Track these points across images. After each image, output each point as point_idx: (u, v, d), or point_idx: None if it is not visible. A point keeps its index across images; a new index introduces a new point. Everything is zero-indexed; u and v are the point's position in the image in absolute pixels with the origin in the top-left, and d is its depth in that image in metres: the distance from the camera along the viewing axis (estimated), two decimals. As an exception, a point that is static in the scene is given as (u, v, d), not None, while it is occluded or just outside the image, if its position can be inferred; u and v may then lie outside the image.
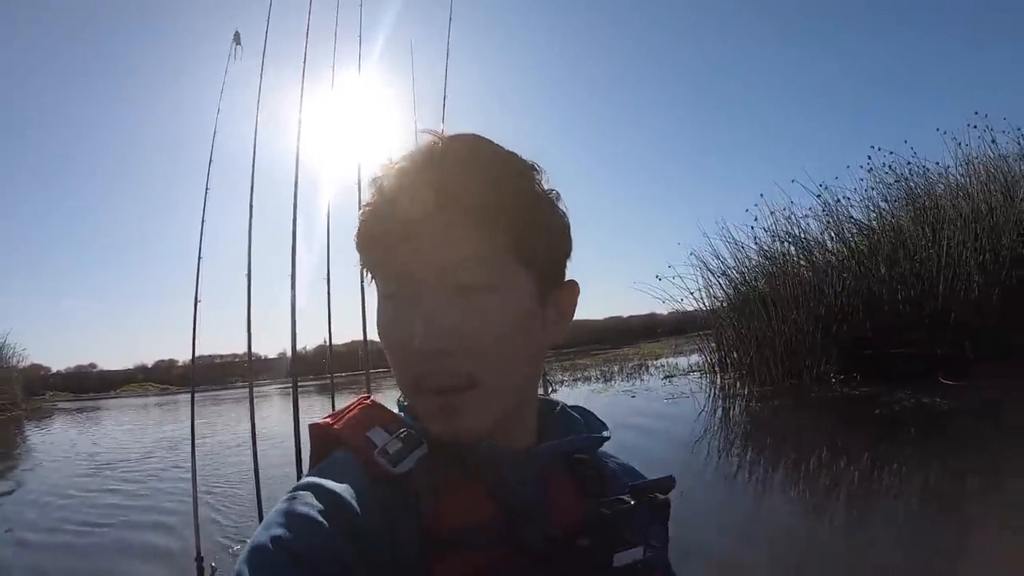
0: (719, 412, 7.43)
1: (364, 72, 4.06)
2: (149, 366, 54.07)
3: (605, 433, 0.67)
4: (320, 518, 0.49)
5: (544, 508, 0.58)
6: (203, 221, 3.71)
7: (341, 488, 0.52)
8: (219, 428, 11.65)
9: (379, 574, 0.50)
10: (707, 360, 10.26)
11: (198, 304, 3.59)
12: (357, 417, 0.61)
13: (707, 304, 9.85)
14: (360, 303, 3.76)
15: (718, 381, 9.38)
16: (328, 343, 4.25)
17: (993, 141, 8.48)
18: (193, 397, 3.69)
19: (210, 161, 3.78)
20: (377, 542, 0.51)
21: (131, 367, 54.67)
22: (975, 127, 8.51)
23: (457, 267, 0.56)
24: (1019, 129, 8.45)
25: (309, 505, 0.50)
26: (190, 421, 3.55)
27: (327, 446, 0.60)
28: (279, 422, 8.77)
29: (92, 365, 55.54)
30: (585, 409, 0.70)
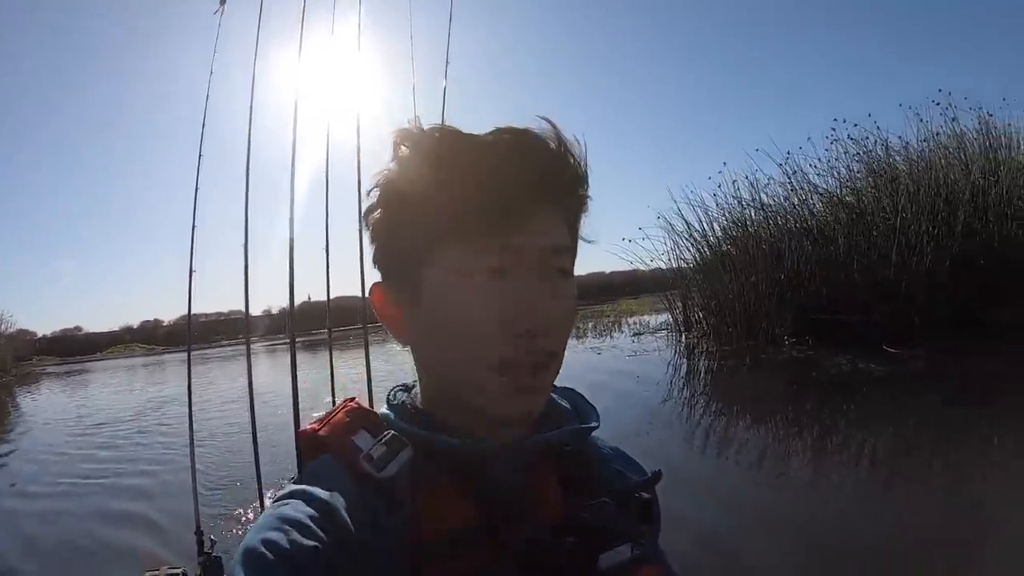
0: (678, 370, 7.96)
1: (360, 27, 3.71)
2: (135, 327, 54.10)
3: (594, 423, 0.66)
4: (311, 524, 0.50)
5: (526, 505, 0.58)
6: (196, 189, 3.54)
7: (329, 495, 0.53)
8: (207, 388, 12.01)
9: None
10: (673, 319, 10.79)
11: (193, 274, 3.48)
12: (341, 421, 0.61)
13: (675, 265, 10.29)
14: (359, 262, 3.44)
15: (683, 340, 9.93)
16: (327, 301, 3.93)
17: (954, 119, 8.82)
18: (190, 377, 3.56)
19: (203, 126, 3.61)
20: (366, 549, 0.51)
21: (117, 328, 54.71)
22: (938, 103, 8.85)
23: (558, 252, 0.58)
24: (979, 108, 8.80)
25: (300, 511, 0.51)
26: (187, 398, 3.47)
27: (315, 452, 0.61)
28: (266, 378, 9.21)
29: (78, 328, 55.41)
30: (574, 392, 0.70)
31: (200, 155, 3.61)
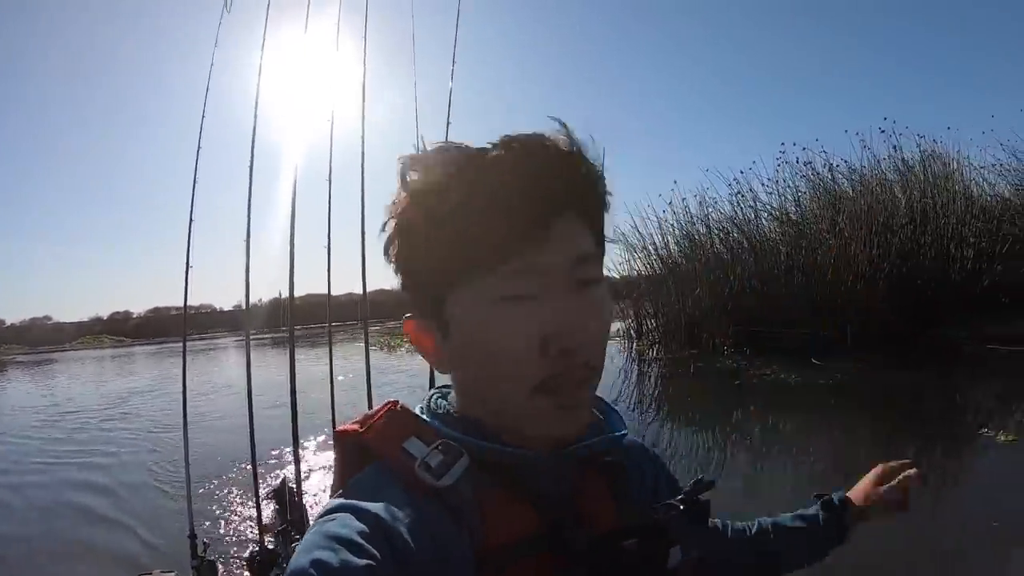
0: (628, 375, 8.54)
1: (364, 30, 3.77)
2: (104, 318, 54.18)
3: (624, 431, 0.66)
4: (362, 540, 0.47)
5: (581, 512, 0.58)
6: (195, 182, 3.49)
7: (381, 508, 0.50)
8: (176, 382, 12.29)
9: None
10: (626, 328, 11.33)
11: (190, 269, 3.47)
12: (388, 425, 0.58)
13: (630, 275, 10.79)
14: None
15: (633, 347, 10.51)
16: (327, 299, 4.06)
17: (895, 146, 9.41)
18: (185, 384, 3.49)
19: (203, 117, 3.58)
20: (422, 564, 0.48)
21: (87, 319, 54.78)
22: (883, 131, 9.44)
23: (583, 263, 0.56)
24: (920, 136, 9.42)
25: (349, 528, 0.48)
26: (182, 400, 3.43)
27: (358, 455, 0.58)
28: (239, 375, 9.46)
29: (47, 317, 55.14)
30: (603, 401, 0.68)
31: (199, 147, 3.54)
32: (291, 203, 3.36)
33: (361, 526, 0.48)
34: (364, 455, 0.57)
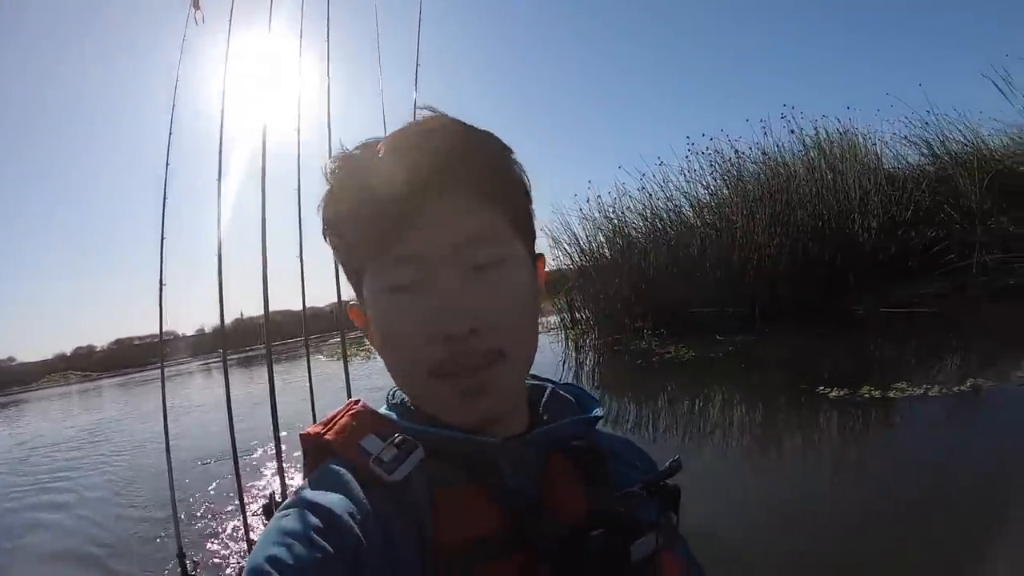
0: (564, 358, 9.46)
1: (331, 40, 3.96)
2: (68, 354, 53.70)
3: (598, 411, 0.66)
4: (314, 535, 0.48)
5: (545, 502, 0.57)
6: (164, 200, 3.58)
7: (334, 502, 0.51)
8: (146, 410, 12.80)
9: None
10: (560, 319, 12.22)
11: (163, 287, 3.53)
12: (347, 424, 0.59)
13: (561, 268, 11.58)
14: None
15: (569, 335, 11.38)
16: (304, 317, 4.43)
17: (791, 131, 10.16)
18: (165, 409, 3.56)
19: (170, 134, 3.64)
20: (377, 559, 0.49)
21: (50, 356, 54.12)
22: (783, 116, 10.16)
23: (471, 245, 0.56)
24: (824, 116, 10.26)
25: (304, 523, 0.50)
26: (163, 424, 3.49)
27: (320, 456, 0.59)
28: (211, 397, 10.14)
29: (11, 359, 54.66)
30: (575, 386, 0.69)
31: (167, 164, 3.59)
32: (261, 221, 3.35)
33: (315, 521, 0.49)
34: (326, 455, 0.58)
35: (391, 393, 0.66)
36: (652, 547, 0.57)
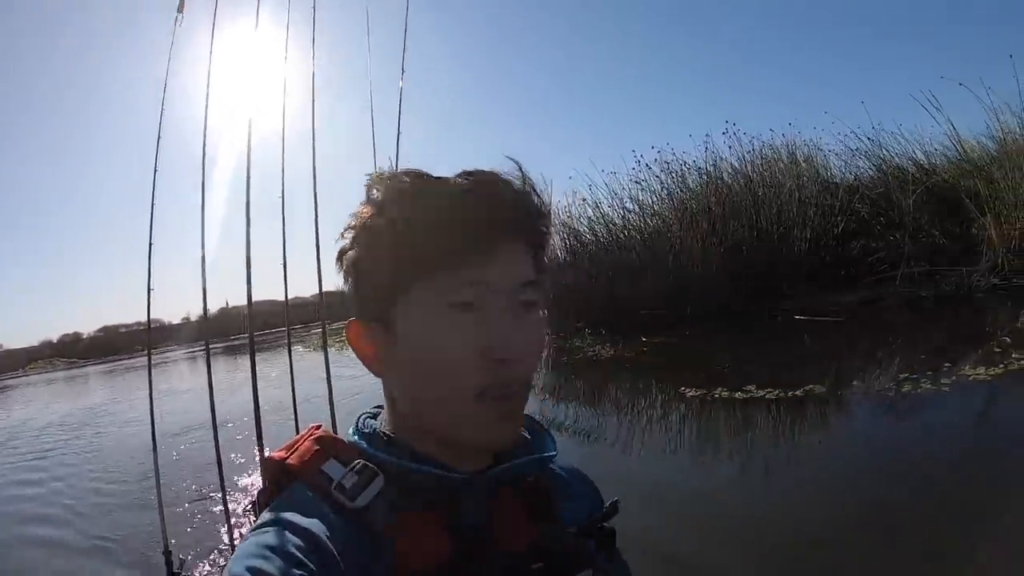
0: None
1: (316, 42, 4.07)
2: (54, 341, 54.25)
3: (553, 452, 0.70)
4: (295, 551, 0.51)
5: (494, 534, 0.61)
6: (153, 204, 3.67)
7: (310, 523, 0.55)
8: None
9: None
10: None
11: (151, 292, 3.62)
12: (309, 449, 0.62)
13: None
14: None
15: None
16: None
17: (729, 147, 11.09)
18: (152, 407, 3.66)
19: (158, 139, 3.72)
20: None
21: (36, 343, 54.67)
22: (724, 132, 11.08)
23: (527, 286, 0.63)
24: (757, 136, 11.21)
25: (284, 539, 0.53)
26: (150, 425, 3.54)
27: (283, 480, 0.62)
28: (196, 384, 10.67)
29: None
30: (533, 420, 0.73)
31: (155, 169, 3.66)
32: (245, 214, 3.45)
33: (295, 539, 0.53)
34: (289, 479, 0.61)
35: (362, 420, 0.68)
36: None
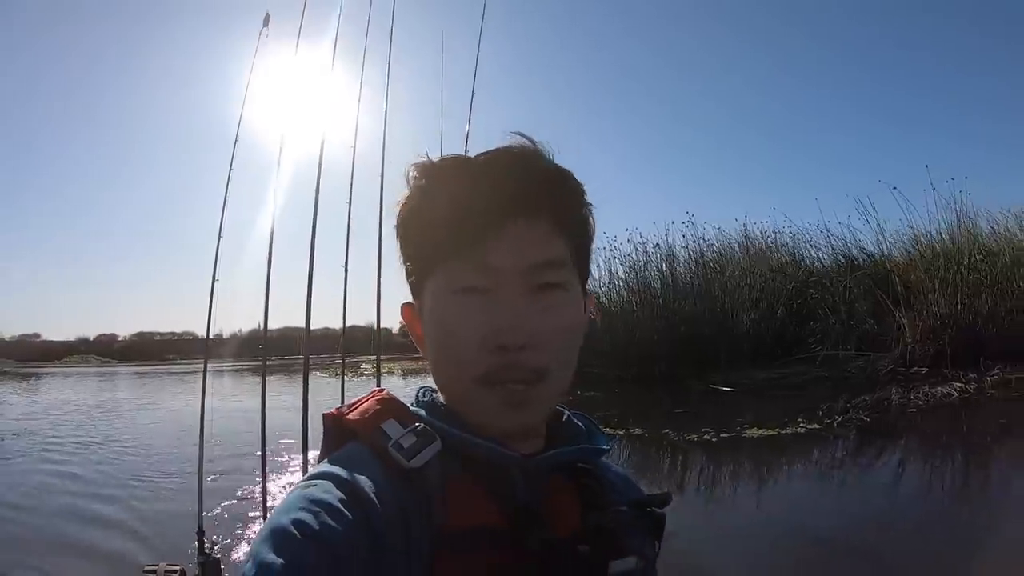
0: None
1: (394, 61, 4.21)
2: (91, 339, 55.91)
3: (605, 445, 0.70)
4: (341, 507, 0.52)
5: (544, 514, 0.61)
6: (225, 200, 3.72)
7: (359, 479, 0.56)
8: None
9: (392, 568, 0.54)
10: None
11: (215, 283, 3.66)
12: (370, 408, 0.64)
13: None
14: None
15: None
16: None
17: (683, 235, 13.00)
18: (205, 375, 3.83)
19: (235, 141, 3.82)
20: (393, 536, 0.54)
21: (73, 339, 56.39)
22: (684, 222, 13.03)
23: (542, 267, 0.62)
24: (716, 227, 13.27)
25: (329, 493, 0.54)
26: (200, 400, 3.66)
27: (339, 436, 0.64)
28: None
29: (36, 335, 56.68)
30: (587, 417, 0.74)
31: (231, 168, 3.73)
32: (311, 240, 3.49)
33: (340, 494, 0.54)
34: (346, 435, 0.63)
35: (421, 391, 0.71)
36: (632, 567, 0.63)
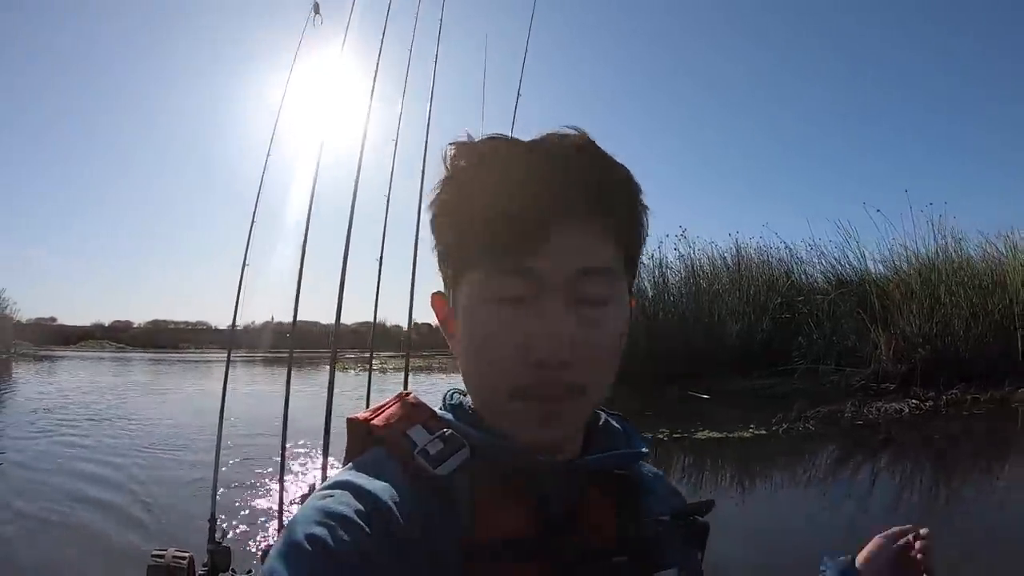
0: None
1: (438, 58, 4.11)
2: (106, 325, 57.32)
3: (644, 449, 0.67)
4: (358, 520, 0.50)
5: (579, 523, 0.58)
6: (260, 184, 3.68)
7: (379, 489, 0.53)
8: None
9: None
10: None
11: (245, 268, 3.62)
12: (397, 414, 0.61)
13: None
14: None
15: None
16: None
17: (675, 248, 13.68)
18: (228, 367, 3.72)
19: (273, 131, 3.80)
20: (414, 548, 0.51)
21: (88, 324, 57.72)
22: (677, 236, 13.67)
23: (587, 277, 0.57)
24: (709, 240, 13.90)
25: (347, 505, 0.51)
26: (222, 391, 3.59)
27: (364, 441, 0.61)
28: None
29: (52, 319, 57.70)
30: (624, 418, 0.70)
31: (268, 153, 3.70)
32: (346, 238, 3.40)
33: (358, 505, 0.51)
34: (370, 441, 0.61)
35: (449, 394, 0.67)
36: None
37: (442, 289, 0.66)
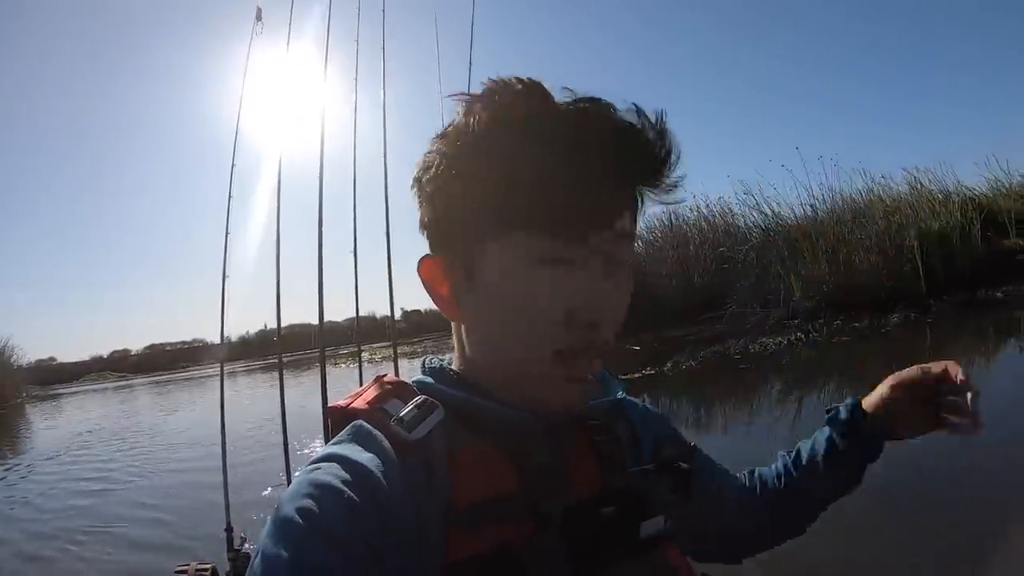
0: None
1: (388, 42, 4.07)
2: (105, 356, 57.77)
3: (620, 394, 0.70)
4: (346, 489, 0.51)
5: (564, 476, 0.60)
6: (229, 198, 3.72)
7: (366, 459, 0.54)
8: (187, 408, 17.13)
9: (404, 548, 0.52)
10: None
11: (226, 280, 3.67)
12: (372, 392, 0.63)
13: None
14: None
15: None
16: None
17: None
18: (223, 377, 3.81)
19: (235, 143, 3.80)
20: (402, 516, 0.52)
21: (87, 358, 58.23)
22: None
23: (624, 240, 0.59)
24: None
25: (335, 476, 0.52)
26: (220, 399, 3.66)
27: (344, 424, 0.61)
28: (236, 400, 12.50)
29: (52, 358, 57.92)
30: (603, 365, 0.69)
31: (233, 164, 3.75)
32: (318, 240, 3.46)
33: (346, 475, 0.52)
34: (350, 421, 0.61)
35: (428, 359, 0.68)
36: (660, 526, 0.61)
37: (428, 254, 0.64)
